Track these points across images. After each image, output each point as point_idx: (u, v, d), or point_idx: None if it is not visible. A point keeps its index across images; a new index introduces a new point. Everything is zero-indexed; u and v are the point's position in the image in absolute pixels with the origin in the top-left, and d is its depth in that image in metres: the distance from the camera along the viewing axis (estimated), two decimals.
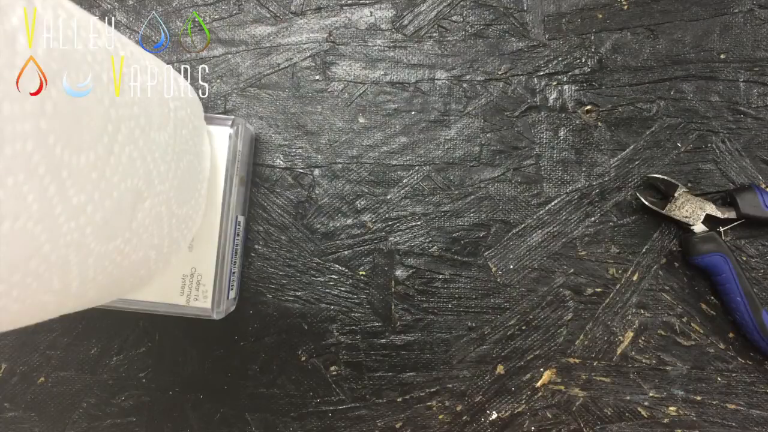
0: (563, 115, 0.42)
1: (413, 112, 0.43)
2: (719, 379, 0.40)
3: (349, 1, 0.44)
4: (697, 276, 0.41)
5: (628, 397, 0.40)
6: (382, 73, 0.43)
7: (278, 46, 0.44)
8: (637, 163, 0.42)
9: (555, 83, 0.43)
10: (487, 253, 0.42)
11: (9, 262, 0.19)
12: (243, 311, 0.42)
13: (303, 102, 0.43)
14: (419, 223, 0.42)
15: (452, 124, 0.43)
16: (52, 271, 0.21)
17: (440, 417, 0.41)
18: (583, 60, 0.43)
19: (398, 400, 0.41)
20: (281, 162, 0.43)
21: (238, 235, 0.40)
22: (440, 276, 0.42)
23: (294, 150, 0.43)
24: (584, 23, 0.43)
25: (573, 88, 0.43)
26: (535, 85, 0.43)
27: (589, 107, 0.42)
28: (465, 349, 0.41)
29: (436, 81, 0.43)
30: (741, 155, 0.41)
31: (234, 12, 0.44)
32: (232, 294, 0.40)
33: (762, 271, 0.41)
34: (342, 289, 0.42)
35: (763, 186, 0.41)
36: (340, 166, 0.43)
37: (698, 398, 0.40)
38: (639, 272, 0.41)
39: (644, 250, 0.41)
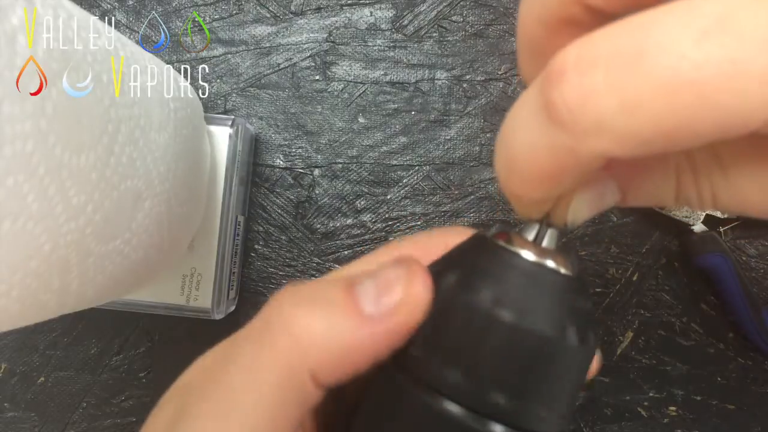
0: None
1: (413, 112, 0.43)
2: (719, 379, 0.40)
3: (349, 1, 0.44)
4: (697, 276, 0.41)
5: (628, 397, 0.40)
6: (382, 73, 0.43)
7: (278, 46, 0.44)
8: None
9: None
10: None
11: (9, 262, 0.19)
12: (243, 311, 0.42)
13: (303, 102, 0.43)
14: (419, 223, 0.42)
15: (452, 124, 0.43)
16: (52, 271, 0.21)
17: None
18: None
19: None
20: (281, 162, 0.43)
21: (238, 235, 0.40)
22: None
23: (294, 150, 0.43)
24: None
25: None
26: None
27: None
28: None
29: (436, 81, 0.43)
30: None
31: (234, 12, 0.44)
32: (232, 294, 0.40)
33: (762, 271, 0.41)
34: None
35: None
36: (340, 166, 0.43)
37: (698, 398, 0.40)
38: (639, 272, 0.41)
39: (644, 250, 0.41)
